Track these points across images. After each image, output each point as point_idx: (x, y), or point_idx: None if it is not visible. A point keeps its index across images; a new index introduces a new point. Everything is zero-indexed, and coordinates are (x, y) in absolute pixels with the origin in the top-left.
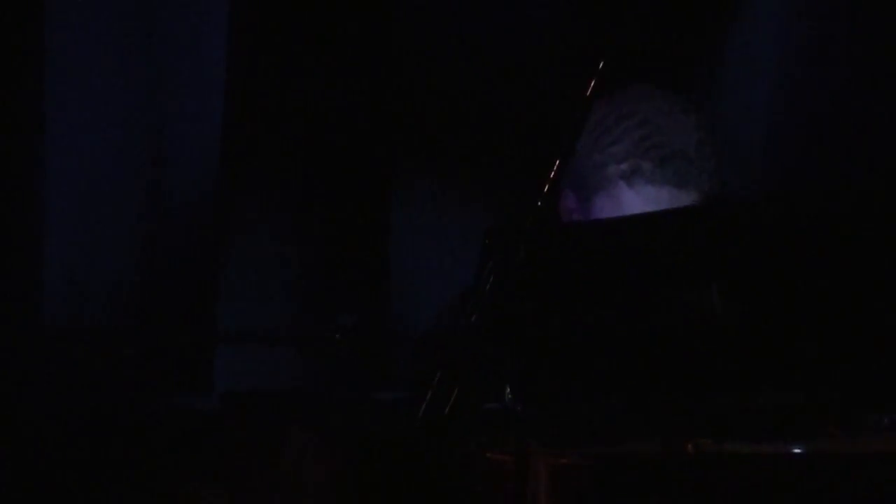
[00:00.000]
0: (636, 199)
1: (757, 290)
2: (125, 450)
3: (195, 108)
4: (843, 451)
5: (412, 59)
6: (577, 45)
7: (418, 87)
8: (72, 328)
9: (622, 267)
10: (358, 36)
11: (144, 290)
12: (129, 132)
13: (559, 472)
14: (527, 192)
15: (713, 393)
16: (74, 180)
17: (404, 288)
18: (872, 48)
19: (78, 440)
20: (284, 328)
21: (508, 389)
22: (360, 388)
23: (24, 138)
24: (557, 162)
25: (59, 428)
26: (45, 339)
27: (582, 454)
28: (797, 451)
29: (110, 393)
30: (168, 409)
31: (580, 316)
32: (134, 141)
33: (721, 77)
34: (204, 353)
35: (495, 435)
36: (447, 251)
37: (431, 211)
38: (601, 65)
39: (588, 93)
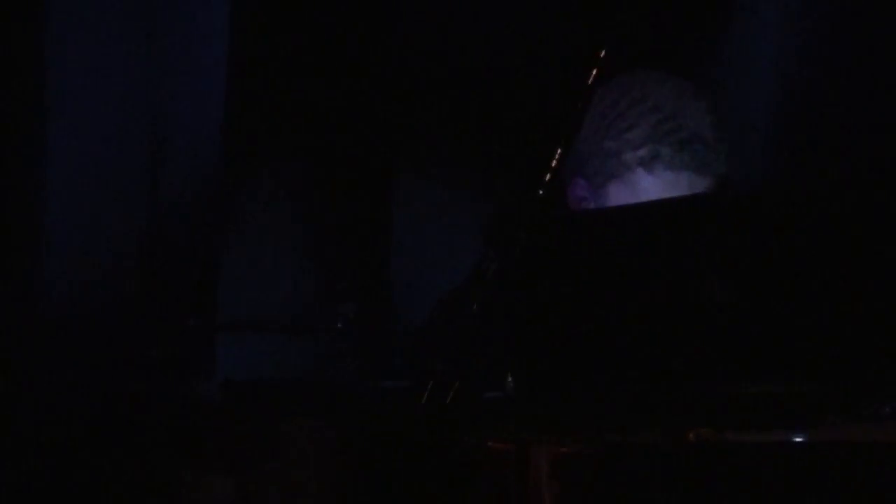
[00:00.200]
0: (655, 184)
1: (758, 280)
2: (127, 439)
3: (195, 100)
4: (844, 440)
5: (412, 58)
6: (577, 46)
7: (418, 86)
8: (71, 320)
9: (623, 256)
10: (358, 35)
11: (145, 280)
12: (129, 126)
13: (560, 461)
14: (528, 180)
15: (715, 382)
16: (75, 175)
17: (405, 277)
18: (872, 48)
19: (79, 432)
20: (285, 317)
21: (510, 378)
22: (362, 376)
23: (25, 136)
24: (559, 150)
25: (61, 421)
26: (45, 331)
27: (583, 443)
28: (798, 439)
29: (112, 383)
30: (170, 398)
31: (581, 304)
32: (134, 133)
33: (721, 76)
34: (206, 342)
35: (496, 424)
36: (446, 240)
37: (432, 197)
38: (601, 61)
39: (589, 82)
